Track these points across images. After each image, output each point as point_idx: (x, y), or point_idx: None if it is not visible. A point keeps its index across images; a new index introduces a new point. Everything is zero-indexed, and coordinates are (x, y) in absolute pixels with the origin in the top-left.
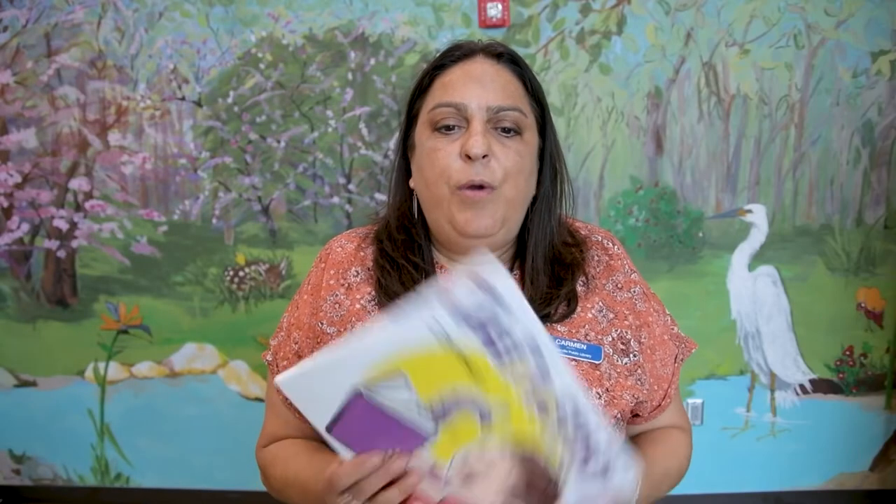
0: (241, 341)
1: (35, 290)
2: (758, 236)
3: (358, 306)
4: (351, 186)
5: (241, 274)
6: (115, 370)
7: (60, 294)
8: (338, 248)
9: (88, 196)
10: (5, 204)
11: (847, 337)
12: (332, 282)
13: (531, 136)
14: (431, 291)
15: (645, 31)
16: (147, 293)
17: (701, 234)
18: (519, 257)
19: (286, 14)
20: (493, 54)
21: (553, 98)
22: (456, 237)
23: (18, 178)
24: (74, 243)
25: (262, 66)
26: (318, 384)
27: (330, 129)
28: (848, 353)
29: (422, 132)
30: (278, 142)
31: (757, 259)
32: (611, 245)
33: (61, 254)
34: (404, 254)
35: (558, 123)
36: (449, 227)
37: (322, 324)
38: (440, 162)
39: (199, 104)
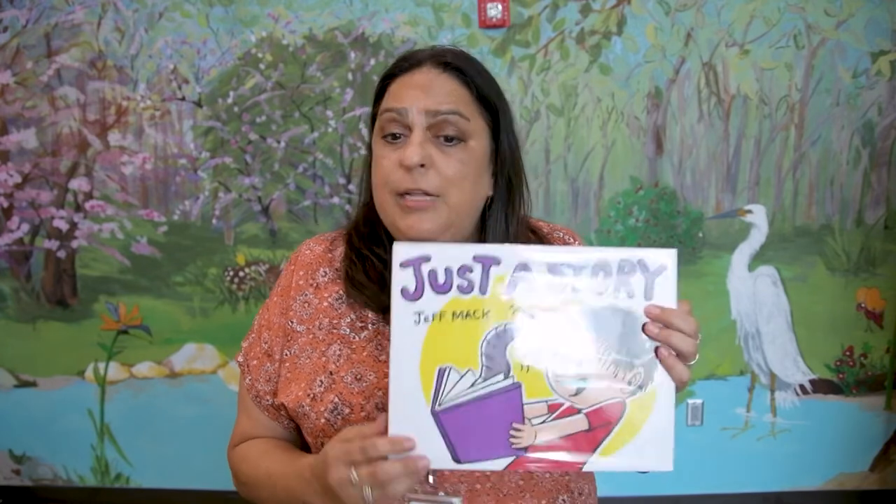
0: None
1: (35, 290)
2: (758, 236)
3: (325, 304)
4: (351, 187)
5: (241, 274)
6: (115, 370)
7: (60, 294)
8: (306, 251)
9: (88, 196)
10: (5, 204)
11: (847, 337)
12: (301, 282)
13: (478, 142)
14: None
15: (645, 31)
16: (147, 293)
17: (701, 235)
18: None
19: (286, 14)
20: (439, 63)
21: (553, 98)
22: (403, 239)
23: (18, 179)
24: (74, 243)
25: (262, 66)
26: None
27: (330, 130)
28: (848, 353)
29: (375, 138)
30: (278, 142)
31: (757, 259)
32: (572, 241)
33: (61, 254)
34: (369, 246)
35: (558, 123)
36: (394, 229)
37: (292, 322)
38: (383, 170)
39: (199, 104)
